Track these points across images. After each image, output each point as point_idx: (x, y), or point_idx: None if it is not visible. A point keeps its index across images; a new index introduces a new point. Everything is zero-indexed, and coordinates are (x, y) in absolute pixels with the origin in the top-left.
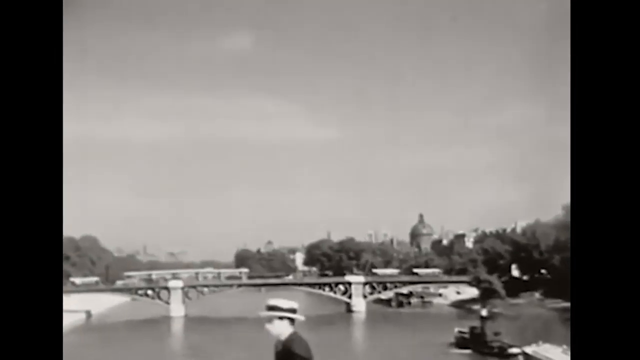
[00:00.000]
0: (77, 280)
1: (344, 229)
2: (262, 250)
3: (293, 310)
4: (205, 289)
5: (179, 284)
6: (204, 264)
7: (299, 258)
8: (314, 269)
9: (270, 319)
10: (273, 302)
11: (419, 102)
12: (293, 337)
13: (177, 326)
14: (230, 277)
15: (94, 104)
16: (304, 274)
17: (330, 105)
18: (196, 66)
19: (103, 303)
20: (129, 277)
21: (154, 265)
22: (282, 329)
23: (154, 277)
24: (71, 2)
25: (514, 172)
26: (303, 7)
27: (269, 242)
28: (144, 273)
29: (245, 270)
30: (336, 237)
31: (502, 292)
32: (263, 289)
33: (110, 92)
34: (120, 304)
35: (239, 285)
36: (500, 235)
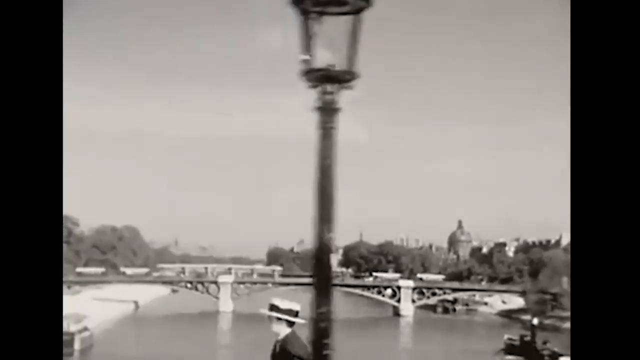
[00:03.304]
0: (128, 271)
1: (375, 232)
2: (295, 249)
3: (293, 312)
4: (251, 285)
5: (229, 279)
6: (234, 260)
7: (333, 259)
8: (350, 270)
9: (271, 319)
10: (275, 302)
11: (457, 105)
12: (289, 337)
13: (231, 321)
14: (262, 275)
15: (133, 98)
16: (337, 275)
17: (364, 107)
18: (232, 61)
19: (143, 294)
20: (162, 269)
21: (185, 259)
22: (279, 330)
23: (187, 270)
24: None
25: (557, 182)
26: None
27: (301, 241)
28: (177, 266)
29: (278, 268)
30: (367, 240)
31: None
32: (298, 287)
33: (144, 86)
34: (161, 296)
35: (288, 284)
36: (545, 246)
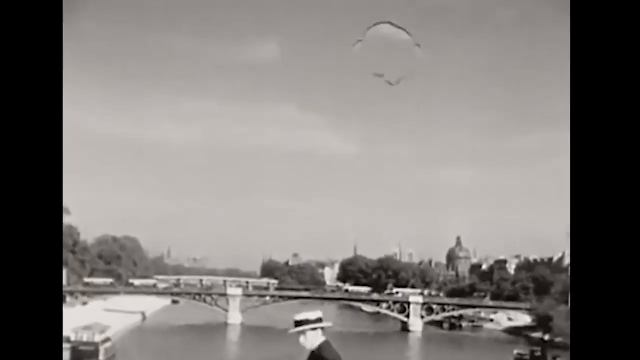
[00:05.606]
0: (136, 282)
1: (368, 246)
2: (290, 262)
3: (321, 320)
4: (259, 298)
5: (238, 292)
6: (228, 272)
7: (328, 273)
8: (347, 285)
9: (303, 333)
10: (301, 316)
11: (451, 118)
12: (323, 345)
13: (240, 333)
14: (257, 288)
15: (127, 108)
16: (333, 290)
17: (357, 119)
18: (229, 73)
19: (148, 305)
20: (157, 280)
21: (179, 270)
22: (314, 340)
23: (182, 282)
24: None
25: (556, 197)
26: (333, 18)
27: (295, 255)
28: (172, 277)
29: (274, 281)
30: (361, 253)
31: None
32: (295, 301)
33: (141, 96)
34: (164, 307)
35: (297, 298)
36: (548, 264)
